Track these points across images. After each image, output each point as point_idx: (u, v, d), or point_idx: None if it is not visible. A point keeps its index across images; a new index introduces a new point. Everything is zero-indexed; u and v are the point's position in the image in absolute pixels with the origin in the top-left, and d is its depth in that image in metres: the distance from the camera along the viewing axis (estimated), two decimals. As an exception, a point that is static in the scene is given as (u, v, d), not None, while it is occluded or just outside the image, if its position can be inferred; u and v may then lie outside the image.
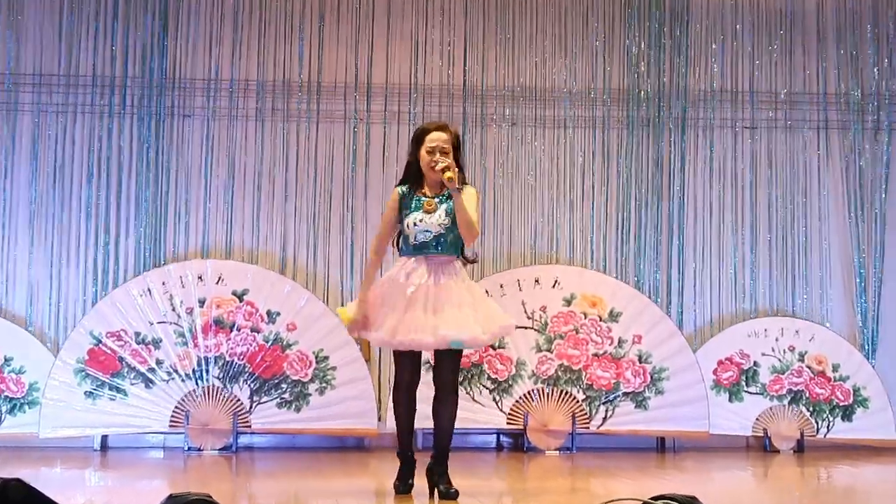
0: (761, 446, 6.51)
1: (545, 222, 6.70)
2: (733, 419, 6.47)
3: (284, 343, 6.21)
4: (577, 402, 6.32)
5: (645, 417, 6.31)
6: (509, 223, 6.69)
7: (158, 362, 6.14)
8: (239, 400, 6.15)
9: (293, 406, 6.16)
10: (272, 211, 6.54)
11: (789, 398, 6.51)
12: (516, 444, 6.47)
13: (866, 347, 6.68)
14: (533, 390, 6.33)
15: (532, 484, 5.15)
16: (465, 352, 5.93)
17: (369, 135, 6.63)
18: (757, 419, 6.49)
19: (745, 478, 5.54)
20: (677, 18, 6.79)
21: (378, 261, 4.50)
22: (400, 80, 6.67)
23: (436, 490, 4.22)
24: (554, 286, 6.45)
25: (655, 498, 3.35)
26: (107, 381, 6.10)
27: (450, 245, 4.24)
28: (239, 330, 6.20)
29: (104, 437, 6.23)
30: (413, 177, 4.32)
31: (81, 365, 6.10)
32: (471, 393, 6.28)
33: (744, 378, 6.52)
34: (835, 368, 6.56)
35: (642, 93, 6.77)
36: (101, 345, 6.11)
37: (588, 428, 6.31)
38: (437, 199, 4.24)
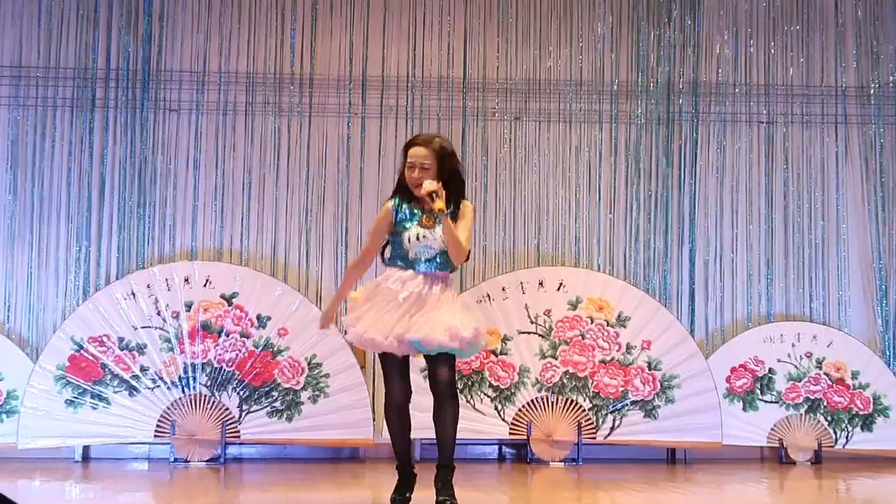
0: (777, 458, 6.51)
1: (549, 222, 6.71)
2: (747, 429, 6.46)
3: (275, 349, 6.20)
4: (584, 411, 6.31)
5: (654, 427, 6.31)
6: (512, 223, 6.69)
7: (143, 369, 6.13)
8: (227, 409, 6.13)
9: (284, 415, 6.15)
10: (263, 210, 6.55)
11: (806, 407, 6.51)
12: (519, 455, 6.47)
13: (887, 353, 6.67)
14: (537, 399, 6.31)
15: (536, 497, 5.14)
16: (467, 357, 5.93)
17: (365, 130, 6.63)
18: (772, 429, 6.48)
19: (759, 491, 5.53)
20: (688, 7, 6.81)
21: (359, 274, 4.49)
22: (397, 72, 6.67)
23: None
24: (559, 289, 6.43)
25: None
26: (89, 388, 6.08)
27: (449, 261, 4.31)
28: (227, 335, 6.19)
29: (86, 448, 6.23)
30: (405, 189, 4.35)
31: (62, 372, 6.08)
32: (471, 401, 6.26)
33: (758, 386, 6.51)
34: (854, 375, 6.54)
35: (652, 86, 6.77)
36: (82, 351, 6.10)
37: (594, 438, 6.30)
38: (433, 215, 4.27)
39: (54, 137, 6.48)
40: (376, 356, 5.68)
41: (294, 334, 6.20)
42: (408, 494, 4.35)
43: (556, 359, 6.35)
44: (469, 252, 4.33)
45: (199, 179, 6.52)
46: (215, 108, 6.56)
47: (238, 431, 6.12)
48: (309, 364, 6.19)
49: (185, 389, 6.12)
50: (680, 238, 6.69)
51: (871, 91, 6.86)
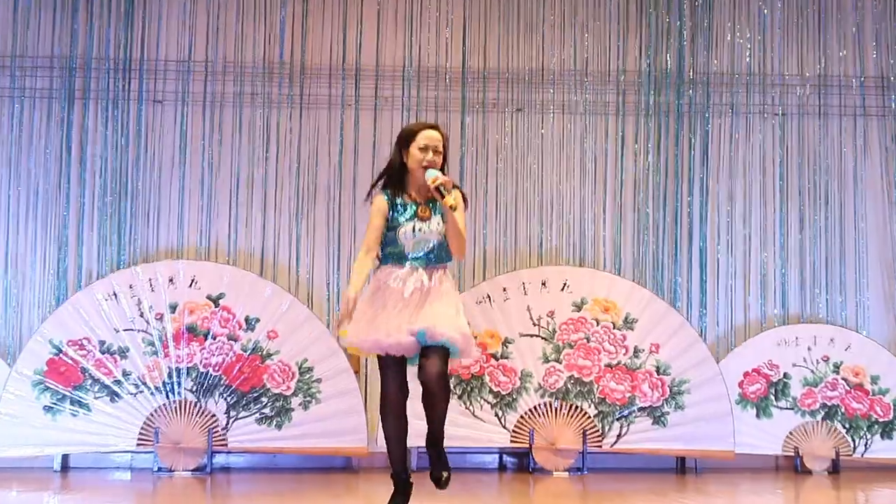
0: (792, 467, 6.51)
1: (552, 219, 6.69)
2: (761, 437, 6.46)
3: (264, 352, 6.19)
4: (589, 417, 6.29)
5: (663, 435, 6.30)
6: (513, 220, 6.66)
7: (125, 374, 6.11)
8: (214, 416, 6.12)
9: (274, 422, 6.13)
10: (251, 206, 6.54)
11: (823, 413, 6.50)
12: (521, 464, 6.47)
13: (908, 357, 6.67)
14: (539, 405, 6.30)
15: (538, 509, 5.17)
16: (465, 363, 5.91)
17: (358, 122, 6.61)
18: (787, 437, 6.48)
19: (774, 502, 5.51)
20: (699, -7, 6.80)
21: (368, 270, 4.38)
22: (393, 61, 6.68)
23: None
24: (563, 289, 6.42)
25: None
26: (68, 394, 6.06)
27: (446, 252, 4.34)
28: (214, 338, 6.17)
29: (65, 457, 6.23)
30: (395, 179, 4.34)
31: (40, 377, 6.07)
32: (471, 408, 6.24)
33: (773, 391, 6.50)
34: (874, 380, 6.53)
35: (660, 76, 6.75)
36: (61, 354, 6.09)
37: (600, 447, 6.28)
38: (429, 205, 4.31)
39: (31, 130, 6.46)
40: (370, 361, 5.73)
41: (284, 337, 6.18)
42: (404, 504, 4.33)
43: (560, 363, 6.33)
44: (465, 250, 4.38)
45: (185, 175, 6.51)
46: (201, 100, 6.54)
47: (225, 439, 6.10)
48: (300, 368, 6.17)
49: (170, 395, 6.10)
50: (690, 236, 6.69)
51: (892, 81, 6.84)
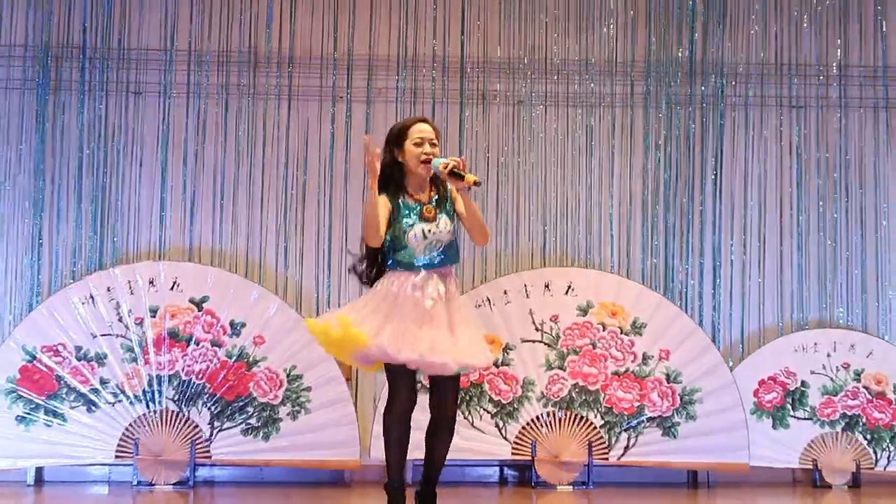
0: (810, 481, 6.48)
1: (556, 217, 6.66)
2: (777, 449, 6.43)
3: (251, 359, 6.17)
4: (595, 428, 6.28)
5: (674, 447, 6.28)
6: (515, 218, 6.63)
7: (103, 382, 6.09)
8: (197, 426, 6.10)
9: (261, 433, 6.12)
10: (236, 203, 6.51)
11: (843, 424, 6.47)
12: (523, 477, 6.44)
13: (933, 364, 6.68)
14: (542, 415, 6.28)
15: (541, 527, 5.18)
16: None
17: (350, 115, 6.59)
18: (805, 449, 6.44)
19: (792, 519, 5.56)
20: (713, -23, 6.83)
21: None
22: (388, 50, 6.65)
23: None
24: (567, 292, 6.40)
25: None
26: (42, 403, 6.04)
27: (455, 253, 4.38)
28: (197, 344, 6.16)
29: (39, 470, 6.20)
30: (393, 182, 4.34)
31: (12, 385, 6.05)
32: (469, 418, 6.22)
33: (790, 400, 6.47)
34: (897, 389, 6.56)
35: (671, 66, 6.73)
36: (35, 361, 6.07)
37: (607, 459, 6.26)
38: (433, 204, 4.34)
39: (3, 123, 6.44)
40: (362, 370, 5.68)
41: (272, 343, 6.18)
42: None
43: (564, 370, 6.31)
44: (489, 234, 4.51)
45: (166, 170, 6.48)
46: (184, 91, 6.53)
47: (209, 451, 6.08)
48: (288, 376, 6.15)
49: (150, 404, 6.09)
50: (702, 235, 6.67)
51: (918, 72, 6.86)
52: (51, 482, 6.17)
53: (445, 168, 4.19)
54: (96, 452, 6.01)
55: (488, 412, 6.23)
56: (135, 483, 6.00)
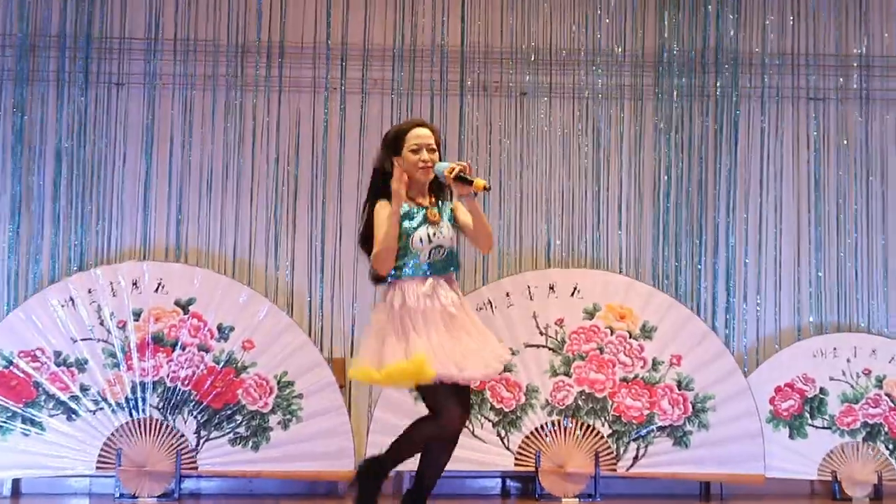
0: (829, 493, 6.44)
1: (561, 215, 6.63)
2: (795, 460, 6.40)
3: (239, 365, 6.16)
4: (602, 438, 6.26)
5: (685, 457, 6.26)
6: (518, 216, 6.61)
7: (83, 389, 6.08)
8: (183, 435, 6.08)
9: (250, 443, 6.10)
10: (224, 200, 6.49)
11: (864, 433, 6.44)
12: (526, 489, 6.43)
13: (959, 370, 6.70)
14: (547, 423, 6.26)
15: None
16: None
17: (344, 107, 6.59)
18: (824, 459, 6.41)
19: (810, 534, 5.53)
20: (726, -37, 6.84)
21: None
22: (383, 40, 6.64)
23: None
24: (573, 294, 6.37)
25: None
26: (19, 411, 6.02)
27: (457, 260, 4.43)
28: (183, 348, 6.15)
29: (16, 482, 6.20)
30: (391, 187, 4.33)
31: None
32: (470, 426, 6.17)
33: (808, 408, 6.45)
34: (921, 396, 6.58)
35: (682, 56, 6.72)
36: (12, 367, 6.06)
37: (615, 470, 6.25)
38: (436, 208, 4.39)
39: None
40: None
41: (261, 348, 6.17)
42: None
43: (570, 376, 6.29)
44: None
45: (151, 166, 6.47)
46: (170, 83, 6.52)
47: (195, 462, 6.06)
48: (279, 383, 6.14)
49: (133, 412, 6.06)
50: (715, 235, 6.66)
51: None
52: (28, 494, 6.16)
53: (451, 173, 4.20)
54: (76, 463, 5.99)
55: (490, 420, 6.21)
56: (117, 495, 5.97)
